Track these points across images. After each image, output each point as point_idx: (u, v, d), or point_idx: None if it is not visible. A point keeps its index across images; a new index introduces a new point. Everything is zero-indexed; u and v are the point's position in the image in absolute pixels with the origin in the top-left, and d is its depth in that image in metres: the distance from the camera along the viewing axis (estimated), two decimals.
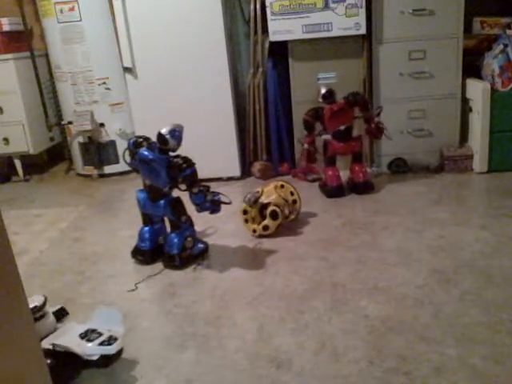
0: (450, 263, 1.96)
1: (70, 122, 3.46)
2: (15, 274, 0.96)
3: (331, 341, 1.57)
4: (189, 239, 2.14)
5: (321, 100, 2.71)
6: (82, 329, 1.53)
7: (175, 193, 2.12)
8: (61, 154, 4.02)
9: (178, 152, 2.05)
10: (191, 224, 2.18)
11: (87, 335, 1.50)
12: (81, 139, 3.48)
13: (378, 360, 1.46)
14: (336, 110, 2.69)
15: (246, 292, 1.90)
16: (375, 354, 1.48)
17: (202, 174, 2.10)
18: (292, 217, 2.42)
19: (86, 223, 2.76)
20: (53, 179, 3.68)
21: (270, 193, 2.35)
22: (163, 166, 2.00)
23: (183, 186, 2.03)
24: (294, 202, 2.42)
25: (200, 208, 2.05)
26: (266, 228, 2.31)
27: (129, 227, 2.57)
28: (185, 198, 2.10)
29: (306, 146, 2.83)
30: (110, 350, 1.46)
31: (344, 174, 2.86)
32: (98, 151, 3.47)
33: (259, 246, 2.28)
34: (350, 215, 2.52)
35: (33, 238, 2.61)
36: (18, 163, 3.63)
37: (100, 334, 1.50)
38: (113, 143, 3.48)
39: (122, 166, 3.50)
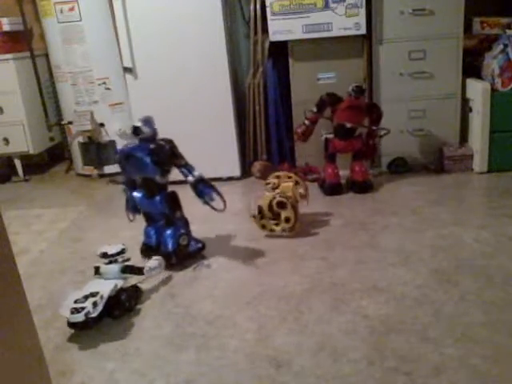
0: (450, 263, 1.97)
1: (70, 122, 3.46)
2: (15, 274, 0.96)
3: (331, 341, 1.57)
4: (183, 237, 2.14)
5: (349, 89, 2.68)
6: (84, 293, 1.73)
7: (171, 188, 2.14)
8: (61, 154, 4.02)
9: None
10: (186, 222, 2.18)
11: (80, 301, 1.69)
12: (81, 139, 3.48)
13: (377, 360, 1.46)
14: (354, 105, 2.69)
15: (246, 292, 1.90)
16: (375, 354, 1.48)
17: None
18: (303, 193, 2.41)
19: (86, 223, 2.76)
20: (53, 179, 3.68)
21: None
22: (145, 154, 2.03)
23: (171, 166, 2.06)
24: (297, 182, 2.41)
25: (192, 183, 2.05)
26: (288, 220, 2.29)
27: (129, 227, 2.56)
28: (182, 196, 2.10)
29: (307, 122, 2.81)
30: (76, 317, 1.65)
31: (345, 175, 2.87)
32: (97, 151, 3.47)
33: (259, 245, 2.28)
34: (350, 215, 2.52)
35: (33, 238, 2.61)
36: (18, 163, 3.63)
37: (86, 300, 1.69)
38: (113, 143, 3.47)
39: None
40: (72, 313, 1.65)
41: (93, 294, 1.71)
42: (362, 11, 2.80)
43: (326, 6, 2.81)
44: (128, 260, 1.89)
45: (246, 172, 3.25)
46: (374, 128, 2.78)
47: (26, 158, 3.69)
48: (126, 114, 3.38)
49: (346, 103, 2.71)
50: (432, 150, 3.05)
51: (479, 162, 2.90)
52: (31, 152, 3.58)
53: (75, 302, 1.69)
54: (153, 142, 2.06)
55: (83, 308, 1.65)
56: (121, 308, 1.80)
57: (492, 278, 1.83)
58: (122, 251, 1.87)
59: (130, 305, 1.83)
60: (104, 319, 1.77)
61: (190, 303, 1.86)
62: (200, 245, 2.24)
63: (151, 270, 1.89)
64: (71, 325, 1.69)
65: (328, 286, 1.88)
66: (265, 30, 2.99)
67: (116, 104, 3.42)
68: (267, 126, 3.21)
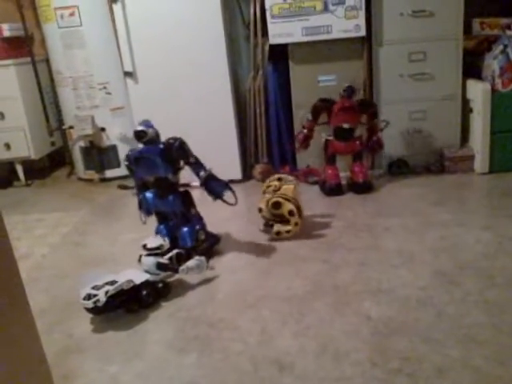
0: (452, 264, 1.96)
1: (71, 127, 3.46)
2: (18, 279, 0.96)
3: (334, 343, 1.56)
4: (200, 231, 2.20)
5: (341, 92, 2.72)
6: (103, 280, 1.80)
7: (183, 188, 2.19)
8: (62, 158, 4.03)
9: None
10: (200, 218, 2.23)
11: (97, 287, 1.77)
12: (82, 144, 3.49)
13: (380, 361, 1.46)
14: (347, 106, 2.71)
15: (248, 295, 1.90)
16: (378, 356, 1.48)
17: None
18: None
19: (87, 227, 2.77)
20: (54, 184, 3.68)
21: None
22: (155, 154, 2.07)
23: (181, 164, 2.10)
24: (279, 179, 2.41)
25: (199, 178, 2.10)
26: (291, 213, 2.28)
27: (131, 231, 2.57)
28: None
29: (305, 131, 2.84)
30: (85, 303, 1.75)
31: (346, 177, 2.88)
32: (99, 156, 3.48)
33: (261, 248, 2.28)
34: (352, 217, 2.52)
35: (34, 243, 2.61)
36: (19, 168, 3.64)
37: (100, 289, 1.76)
38: (114, 147, 3.48)
39: (123, 171, 3.51)
40: (84, 298, 1.75)
41: (112, 283, 1.78)
42: (362, 13, 2.80)
43: (326, 9, 2.82)
44: (176, 257, 1.96)
45: (247, 175, 3.25)
46: (375, 121, 2.79)
47: (27, 163, 3.69)
48: (127, 119, 3.39)
49: (339, 105, 2.73)
50: (433, 151, 3.05)
51: (480, 163, 2.89)
52: (32, 157, 3.59)
53: (93, 287, 1.77)
54: (160, 142, 2.10)
55: (95, 295, 1.74)
56: (138, 303, 1.85)
57: (494, 279, 1.83)
58: (159, 247, 1.93)
59: (148, 301, 1.87)
60: (120, 315, 1.77)
61: (193, 306, 1.86)
62: (215, 238, 2.29)
63: (188, 269, 1.95)
64: (86, 309, 1.78)
65: (330, 289, 1.88)
66: (265, 33, 3.00)
67: (117, 108, 3.42)
68: (268, 129, 3.21)
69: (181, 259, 1.98)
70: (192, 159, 2.11)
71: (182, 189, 2.21)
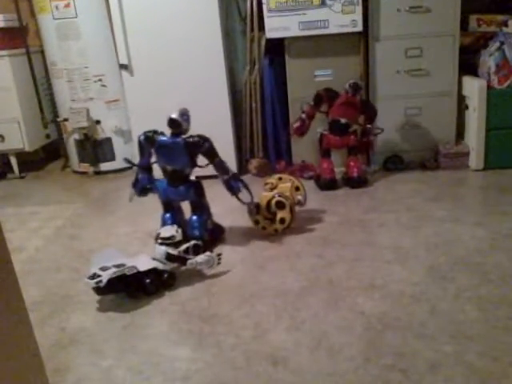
0: (446, 260, 1.97)
1: (65, 119, 3.45)
2: (11, 271, 0.96)
3: (327, 338, 1.57)
4: (209, 221, 2.25)
5: (346, 86, 2.73)
6: (113, 262, 1.85)
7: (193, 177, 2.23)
8: (57, 151, 4.01)
9: None
10: (208, 209, 2.28)
11: (104, 268, 1.82)
12: (76, 136, 3.47)
13: (374, 357, 1.46)
14: (349, 101, 2.72)
15: (243, 289, 1.90)
16: (371, 351, 1.49)
17: (198, 171, 2.12)
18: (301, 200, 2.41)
19: (81, 220, 2.76)
20: (48, 176, 3.66)
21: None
22: (182, 148, 2.11)
23: (203, 163, 2.14)
24: (297, 188, 2.42)
25: (221, 179, 2.16)
26: (282, 221, 2.29)
27: (125, 224, 2.57)
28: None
29: (303, 115, 2.84)
30: (88, 283, 1.80)
31: (341, 172, 2.88)
32: (93, 148, 3.46)
33: (255, 243, 2.28)
34: (347, 212, 2.52)
35: (28, 236, 2.60)
36: (13, 160, 3.62)
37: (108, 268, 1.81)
38: (109, 140, 3.47)
39: (118, 164, 3.50)
40: (88, 277, 1.80)
41: (119, 266, 1.83)
42: (359, 8, 2.79)
43: (323, 3, 2.81)
44: (179, 245, 1.96)
45: (242, 169, 3.24)
46: (369, 127, 2.79)
47: (21, 155, 3.67)
48: (122, 111, 3.38)
49: (342, 99, 2.73)
50: (428, 147, 3.05)
51: (475, 160, 2.90)
52: (27, 149, 3.57)
53: (100, 268, 1.82)
54: (190, 137, 2.14)
55: (99, 276, 1.79)
56: (140, 290, 1.88)
57: (488, 275, 1.84)
58: (170, 238, 1.94)
59: (152, 289, 1.89)
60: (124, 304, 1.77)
61: (187, 300, 1.86)
62: (221, 229, 2.34)
63: (197, 264, 1.97)
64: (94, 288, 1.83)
65: (324, 284, 1.88)
66: (261, 27, 2.99)
67: (112, 101, 3.41)
68: (264, 124, 3.21)
69: (198, 252, 1.99)
70: (217, 160, 2.15)
71: (193, 178, 2.25)
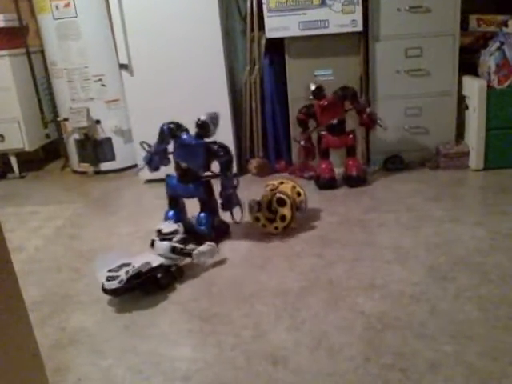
0: (446, 260, 1.97)
1: (65, 119, 3.45)
2: (11, 271, 0.96)
3: (327, 338, 1.57)
4: (216, 219, 2.28)
5: (311, 97, 2.75)
6: (117, 263, 1.86)
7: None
8: (56, 150, 4.01)
9: None
10: (216, 206, 2.30)
11: (114, 270, 1.82)
12: (77, 136, 3.47)
13: (374, 356, 1.46)
14: (326, 104, 2.74)
15: (243, 289, 1.90)
16: (371, 351, 1.49)
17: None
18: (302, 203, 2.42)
19: (81, 220, 2.76)
20: (48, 176, 3.66)
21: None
22: (202, 151, 2.14)
23: (216, 169, 2.17)
24: (298, 194, 2.42)
25: (224, 191, 2.20)
26: (283, 218, 2.29)
27: (125, 224, 2.57)
28: None
29: (302, 142, 2.86)
30: (111, 284, 1.80)
31: (340, 173, 2.88)
32: (93, 148, 3.46)
33: (255, 243, 2.28)
34: (346, 212, 2.52)
35: (28, 235, 2.60)
36: (13, 160, 3.62)
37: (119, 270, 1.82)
38: (109, 140, 3.47)
39: (118, 163, 3.50)
40: (108, 280, 1.80)
41: (126, 265, 1.84)
42: (359, 8, 2.79)
43: (323, 3, 2.81)
44: (182, 241, 1.99)
45: (242, 169, 3.24)
46: (358, 104, 2.79)
47: (21, 154, 3.67)
48: (122, 111, 3.38)
49: (318, 108, 2.76)
50: (428, 147, 3.05)
51: (475, 160, 2.90)
52: (27, 149, 3.57)
53: (109, 271, 1.82)
54: (213, 143, 2.17)
55: (118, 276, 1.79)
56: (155, 285, 1.90)
57: (488, 275, 1.84)
58: (174, 232, 1.98)
59: (164, 284, 1.92)
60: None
61: (187, 300, 1.86)
62: (226, 226, 2.36)
63: (200, 254, 2.00)
64: (105, 291, 1.83)
65: (324, 284, 1.88)
66: (261, 27, 2.99)
67: (112, 101, 3.41)
68: (264, 123, 3.21)
69: (186, 244, 2.01)
70: (229, 174, 2.19)
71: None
